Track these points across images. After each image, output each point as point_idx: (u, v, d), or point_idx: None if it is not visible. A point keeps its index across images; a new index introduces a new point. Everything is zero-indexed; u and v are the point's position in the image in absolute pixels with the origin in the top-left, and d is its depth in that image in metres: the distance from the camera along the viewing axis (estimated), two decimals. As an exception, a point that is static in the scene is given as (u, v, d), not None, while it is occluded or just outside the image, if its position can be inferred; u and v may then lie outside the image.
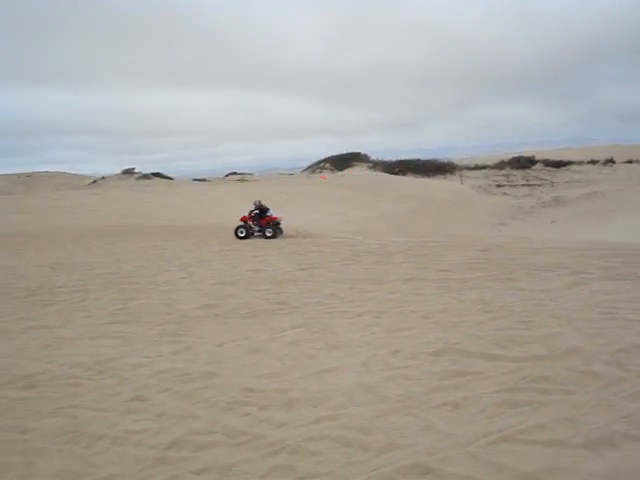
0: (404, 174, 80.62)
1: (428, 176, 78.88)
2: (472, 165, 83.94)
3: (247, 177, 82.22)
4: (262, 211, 22.75)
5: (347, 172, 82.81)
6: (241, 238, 21.89)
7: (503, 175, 77.06)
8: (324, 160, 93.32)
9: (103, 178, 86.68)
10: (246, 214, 22.81)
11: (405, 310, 9.46)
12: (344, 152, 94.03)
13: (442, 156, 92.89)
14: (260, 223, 22.53)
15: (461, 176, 77.57)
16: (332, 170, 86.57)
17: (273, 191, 50.11)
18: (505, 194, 66.79)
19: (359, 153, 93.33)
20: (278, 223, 22.60)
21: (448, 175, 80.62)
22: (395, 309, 9.57)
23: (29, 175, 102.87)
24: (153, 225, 26.77)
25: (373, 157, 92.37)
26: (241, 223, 22.60)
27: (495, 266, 13.20)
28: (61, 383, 6.82)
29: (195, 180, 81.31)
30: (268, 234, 22.10)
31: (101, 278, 13.87)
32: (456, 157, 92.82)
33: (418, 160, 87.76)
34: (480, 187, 70.24)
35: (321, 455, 4.83)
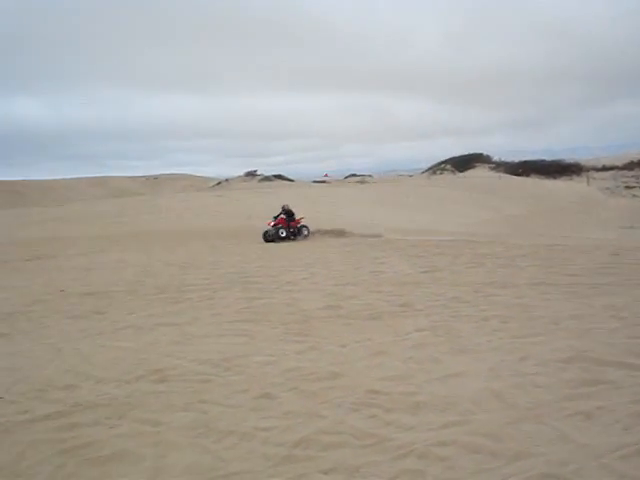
0: (528, 175, 78.73)
1: (553, 177, 76.69)
2: (599, 166, 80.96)
3: (367, 179, 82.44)
4: (289, 214, 24.38)
5: (468, 173, 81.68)
6: (282, 239, 23.50)
7: (633, 176, 73.92)
8: (444, 161, 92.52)
9: (227, 180, 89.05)
10: (273, 219, 24.43)
11: (533, 315, 9.18)
12: (465, 153, 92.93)
13: (568, 157, 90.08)
14: (293, 224, 24.25)
15: (588, 177, 74.95)
16: (453, 171, 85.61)
17: (392, 192, 50.01)
18: (635, 196, 64.09)
19: (481, 154, 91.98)
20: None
21: (574, 176, 78.16)
22: (522, 314, 9.30)
23: (156, 177, 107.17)
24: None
25: (495, 158, 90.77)
26: (271, 228, 23.97)
27: (626, 271, 12.65)
28: (191, 379, 7.00)
29: (315, 182, 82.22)
30: (306, 232, 24.31)
31: (226, 277, 14.20)
32: (583, 158, 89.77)
33: (543, 161, 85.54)
34: (608, 189, 67.66)
35: (450, 461, 4.74)
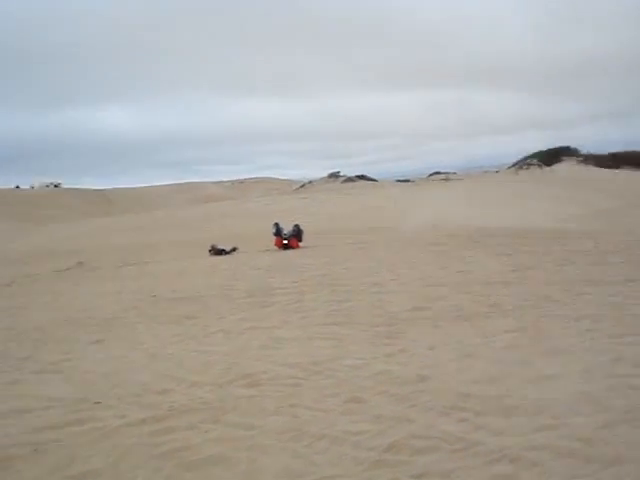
0: (618, 167, 76.39)
1: (645, 169, 74.18)
2: (695, 156, 77.99)
3: (451, 176, 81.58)
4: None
5: (555, 167, 79.86)
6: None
7: None
8: (531, 156, 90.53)
9: (310, 182, 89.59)
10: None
11: (627, 314, 8.94)
12: (551, 147, 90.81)
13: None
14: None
15: (683, 168, 72.15)
16: (540, 166, 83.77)
17: (478, 189, 49.38)
18: None
19: (568, 147, 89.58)
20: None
21: (668, 167, 75.42)
22: (615, 313, 9.05)
23: (241, 181, 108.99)
24: (359, 227, 27.20)
25: (584, 151, 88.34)
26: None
27: None
28: (281, 383, 7.09)
29: (398, 181, 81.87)
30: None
31: (313, 280, 14.27)
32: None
33: (634, 152, 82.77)
34: None
35: (543, 465, 4.67)
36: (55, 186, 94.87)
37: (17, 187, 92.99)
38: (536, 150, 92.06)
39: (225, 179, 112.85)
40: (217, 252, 22.99)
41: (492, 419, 5.57)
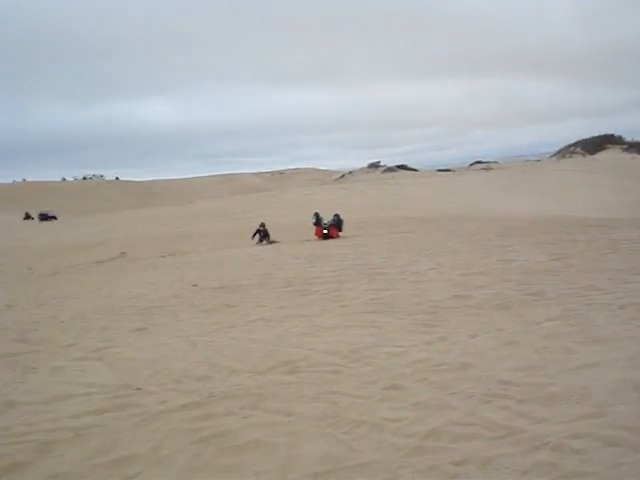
0: (664, 156, 75.02)
1: (692, 157, 72.72)
2: None
3: (492, 165, 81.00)
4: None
5: (599, 156, 78.69)
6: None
7: None
8: (574, 144, 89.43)
9: (350, 172, 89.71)
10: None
11: (672, 302, 8.74)
12: (596, 135, 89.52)
13: None
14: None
15: None
16: (583, 154, 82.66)
17: (517, 178, 48.84)
18: None
19: (612, 135, 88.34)
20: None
21: None
22: (661, 301, 8.87)
23: (281, 172, 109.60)
24: (400, 216, 27.09)
25: (628, 138, 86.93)
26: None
27: None
28: (321, 370, 7.06)
29: (439, 170, 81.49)
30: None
31: (353, 269, 14.26)
32: None
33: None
34: None
35: (585, 454, 4.57)
36: (99, 178, 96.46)
37: (63, 179, 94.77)
38: (579, 138, 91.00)
39: (265, 170, 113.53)
40: (264, 234, 23.32)
41: (534, 407, 5.47)
